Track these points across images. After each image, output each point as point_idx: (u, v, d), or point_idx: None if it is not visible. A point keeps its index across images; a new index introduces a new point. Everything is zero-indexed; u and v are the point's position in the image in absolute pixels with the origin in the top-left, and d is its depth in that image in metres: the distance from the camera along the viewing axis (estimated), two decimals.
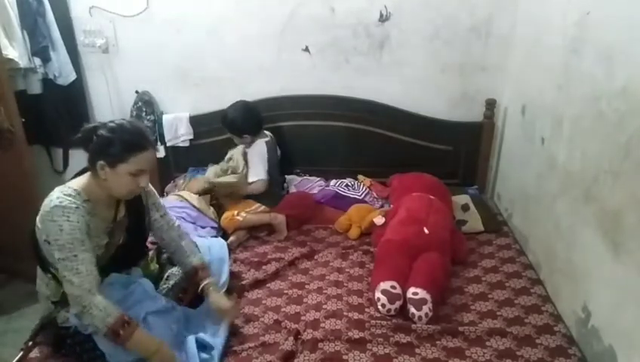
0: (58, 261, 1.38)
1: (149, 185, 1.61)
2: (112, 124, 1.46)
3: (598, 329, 1.56)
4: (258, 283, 1.98)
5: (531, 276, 2.01)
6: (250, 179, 2.38)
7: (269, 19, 2.56)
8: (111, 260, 1.58)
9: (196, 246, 1.80)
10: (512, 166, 2.54)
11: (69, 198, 1.40)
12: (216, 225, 2.33)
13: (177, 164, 2.84)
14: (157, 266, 1.82)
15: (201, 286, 1.69)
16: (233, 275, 1.98)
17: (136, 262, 1.71)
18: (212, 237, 2.18)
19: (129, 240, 1.64)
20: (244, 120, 2.43)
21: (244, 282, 1.97)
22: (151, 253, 1.83)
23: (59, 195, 1.40)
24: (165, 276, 1.77)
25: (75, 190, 1.43)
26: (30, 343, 1.61)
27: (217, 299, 1.68)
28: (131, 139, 1.45)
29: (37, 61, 2.52)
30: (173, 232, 1.75)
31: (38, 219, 1.44)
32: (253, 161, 2.41)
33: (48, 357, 1.57)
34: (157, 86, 2.73)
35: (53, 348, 1.58)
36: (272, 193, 2.46)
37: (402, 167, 2.66)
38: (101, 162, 1.43)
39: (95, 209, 1.48)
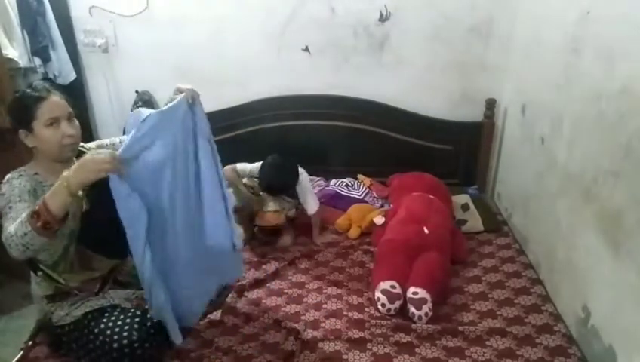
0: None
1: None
2: (10, 100, 1.51)
3: (598, 329, 1.56)
4: (258, 283, 1.98)
5: (531, 276, 2.01)
6: (311, 212, 2.26)
7: (269, 19, 2.56)
8: (84, 233, 1.50)
9: None
10: (512, 166, 2.54)
11: (13, 173, 1.46)
12: None
13: None
14: None
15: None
16: None
17: (112, 234, 1.51)
18: None
19: (94, 206, 1.52)
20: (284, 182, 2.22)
21: (244, 282, 1.97)
22: None
23: (7, 177, 1.44)
24: None
25: (21, 169, 1.48)
26: (30, 343, 1.61)
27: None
28: (27, 95, 1.46)
29: (37, 61, 2.52)
30: None
31: None
32: (306, 194, 2.26)
33: (48, 357, 1.57)
34: (157, 85, 2.73)
35: (52, 348, 1.58)
36: None
37: (402, 166, 2.66)
38: (20, 131, 1.47)
39: (47, 180, 1.47)
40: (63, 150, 1.50)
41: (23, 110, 1.45)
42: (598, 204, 1.59)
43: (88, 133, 2.82)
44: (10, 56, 2.40)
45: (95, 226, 1.51)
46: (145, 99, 2.69)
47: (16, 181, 1.42)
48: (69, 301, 1.54)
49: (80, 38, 2.61)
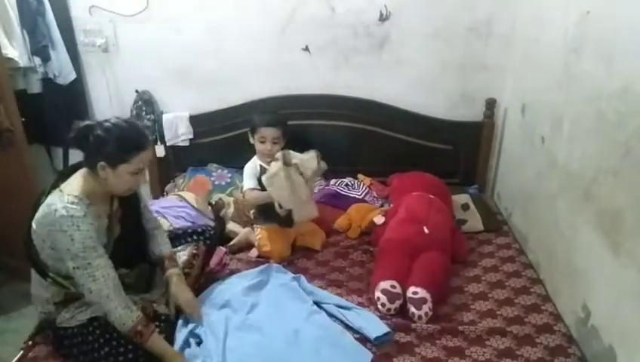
0: (73, 270, 1.38)
1: None
2: (108, 124, 1.44)
3: (598, 329, 1.56)
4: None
5: (531, 275, 2.01)
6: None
7: (269, 19, 2.56)
8: (113, 255, 1.54)
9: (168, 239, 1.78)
10: (512, 165, 2.54)
11: (75, 207, 1.38)
12: (214, 225, 2.32)
13: (177, 163, 2.83)
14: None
15: (165, 274, 1.65)
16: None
17: (137, 259, 1.69)
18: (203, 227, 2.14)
19: (125, 233, 1.61)
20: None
21: None
22: None
23: (64, 205, 1.37)
24: None
25: (76, 196, 1.41)
26: (30, 342, 1.61)
27: (177, 290, 1.62)
28: (132, 139, 1.45)
29: (37, 60, 2.52)
30: (151, 223, 1.76)
31: (36, 225, 1.42)
32: None
33: (48, 357, 1.57)
34: (157, 85, 2.73)
35: (53, 347, 1.57)
36: None
37: (402, 166, 2.66)
38: (102, 163, 1.43)
39: (96, 210, 1.48)
40: (127, 193, 1.56)
41: (120, 149, 1.43)
42: (598, 203, 1.59)
43: None
44: (10, 55, 2.41)
45: (124, 248, 1.58)
46: (145, 99, 2.69)
47: (84, 226, 1.38)
48: (76, 304, 1.53)
49: (80, 37, 2.61)
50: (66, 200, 1.39)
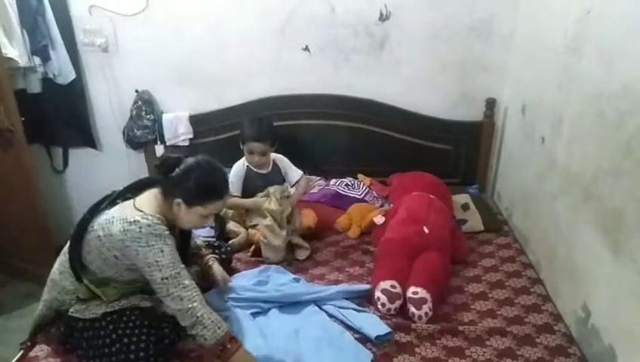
0: (162, 281, 1.40)
1: None
2: (194, 163, 1.51)
3: (598, 329, 1.56)
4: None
5: (531, 275, 2.01)
6: (294, 180, 2.42)
7: (269, 18, 2.56)
8: None
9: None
10: (512, 165, 2.54)
11: (160, 225, 1.43)
12: (214, 225, 2.32)
13: None
14: None
15: (205, 258, 1.81)
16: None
17: None
18: (210, 237, 2.17)
19: (179, 251, 1.64)
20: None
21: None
22: None
23: (148, 223, 1.40)
24: None
25: (157, 217, 1.44)
26: (29, 344, 1.61)
27: (217, 268, 1.79)
28: (214, 187, 1.53)
29: (37, 60, 2.52)
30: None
31: (105, 233, 1.43)
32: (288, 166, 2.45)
33: (48, 356, 1.57)
34: (157, 85, 2.73)
35: (59, 340, 1.58)
36: None
37: (402, 166, 2.66)
38: (178, 200, 1.49)
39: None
40: (192, 228, 1.67)
41: (200, 193, 1.49)
42: (598, 203, 1.59)
43: (88, 132, 2.82)
44: (9, 55, 2.41)
45: None
46: (145, 99, 2.69)
47: (169, 241, 1.44)
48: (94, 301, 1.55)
49: (80, 37, 2.61)
50: (149, 220, 1.41)
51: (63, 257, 1.54)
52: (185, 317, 1.42)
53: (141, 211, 1.44)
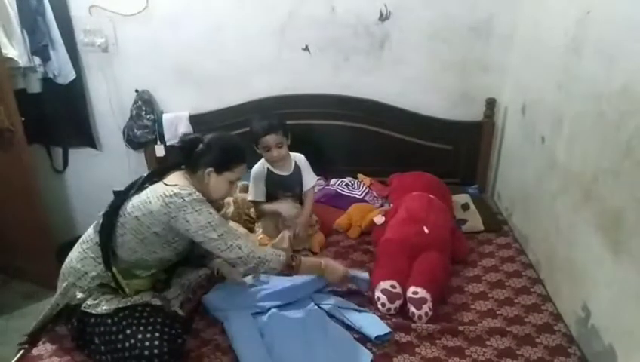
0: (218, 238, 1.53)
1: None
2: (214, 136, 1.68)
3: (598, 329, 1.56)
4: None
5: (531, 275, 2.01)
6: (308, 187, 2.34)
7: (269, 19, 2.56)
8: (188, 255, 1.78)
9: None
10: (512, 165, 2.54)
11: (198, 194, 1.54)
12: None
13: None
14: None
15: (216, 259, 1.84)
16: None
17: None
18: None
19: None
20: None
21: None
22: None
23: (189, 191, 1.52)
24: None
25: (192, 188, 1.55)
26: (27, 345, 1.61)
27: (230, 271, 1.84)
28: (237, 149, 1.70)
29: (36, 60, 2.52)
30: None
31: (145, 212, 1.51)
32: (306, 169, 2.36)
33: (51, 355, 1.57)
34: (157, 85, 2.73)
35: (73, 332, 1.58)
36: None
37: (402, 166, 2.66)
38: (210, 169, 1.63)
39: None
40: (219, 199, 1.76)
41: (228, 158, 1.66)
42: (598, 203, 1.59)
43: (88, 132, 2.82)
44: (9, 55, 2.41)
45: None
46: (145, 99, 2.69)
47: (211, 208, 1.57)
48: (106, 296, 1.56)
49: (80, 37, 2.61)
50: (188, 189, 1.53)
51: (86, 245, 1.59)
52: (249, 261, 1.58)
53: (172, 186, 1.53)
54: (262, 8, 2.54)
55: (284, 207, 2.17)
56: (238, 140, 1.77)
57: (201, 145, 1.64)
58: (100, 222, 1.56)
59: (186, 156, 1.65)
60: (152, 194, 1.52)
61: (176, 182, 1.57)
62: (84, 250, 1.59)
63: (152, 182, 1.60)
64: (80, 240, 1.63)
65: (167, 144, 2.76)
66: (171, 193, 1.50)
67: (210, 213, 1.53)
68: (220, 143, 1.66)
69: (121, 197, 1.57)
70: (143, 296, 1.58)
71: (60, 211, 2.95)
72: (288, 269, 1.67)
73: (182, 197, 1.49)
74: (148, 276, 1.65)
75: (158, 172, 1.66)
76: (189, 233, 1.53)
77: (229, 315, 1.68)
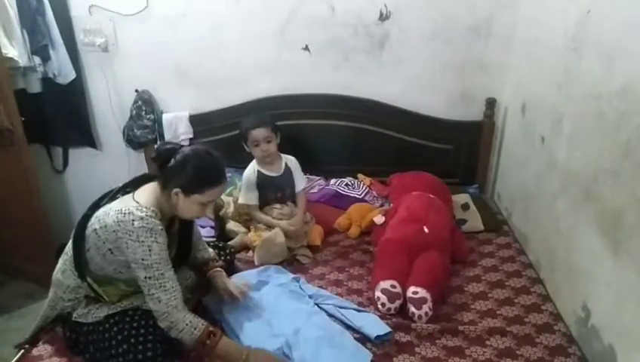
0: (145, 279, 1.40)
1: None
2: (190, 151, 1.50)
3: (598, 329, 1.56)
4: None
5: (531, 275, 2.01)
6: (299, 189, 2.37)
7: (269, 18, 2.56)
8: None
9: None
10: (512, 165, 2.54)
11: (153, 220, 1.40)
12: (214, 225, 2.33)
13: None
14: None
15: (212, 271, 1.75)
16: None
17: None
18: (210, 237, 2.18)
19: (179, 251, 1.67)
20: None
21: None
22: None
23: (142, 216, 1.38)
24: None
25: (152, 210, 1.43)
26: (27, 346, 1.61)
27: (226, 280, 1.74)
28: (210, 173, 1.51)
29: (36, 60, 2.53)
30: (197, 236, 1.80)
31: (101, 226, 1.41)
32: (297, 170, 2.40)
33: (51, 356, 1.57)
34: (157, 85, 2.73)
35: (65, 345, 1.57)
36: None
37: (402, 165, 2.66)
38: (176, 189, 1.46)
39: (162, 224, 1.49)
40: (191, 218, 1.63)
41: (197, 180, 1.47)
42: (598, 203, 1.59)
43: (88, 132, 2.82)
44: (9, 55, 2.41)
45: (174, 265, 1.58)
46: (145, 99, 2.69)
47: (161, 239, 1.42)
48: (95, 304, 1.54)
49: (80, 37, 2.60)
50: (144, 212, 1.40)
51: (66, 256, 1.54)
52: (161, 320, 1.42)
53: (137, 203, 1.43)
54: (262, 8, 2.54)
55: (283, 223, 2.18)
56: (216, 160, 1.54)
57: (173, 161, 1.47)
58: (72, 233, 1.48)
59: (159, 168, 1.50)
60: (114, 207, 1.42)
61: (143, 197, 1.47)
62: (64, 261, 1.55)
63: (125, 193, 1.51)
64: (65, 249, 1.57)
65: None
66: (126, 211, 1.39)
67: (150, 251, 1.37)
68: (194, 162, 1.47)
69: (92, 208, 1.48)
70: (133, 300, 1.55)
71: (60, 211, 2.95)
72: (202, 346, 1.43)
73: (133, 220, 1.37)
74: (126, 284, 1.56)
75: (134, 182, 1.56)
76: (128, 259, 1.41)
77: (226, 318, 1.68)
